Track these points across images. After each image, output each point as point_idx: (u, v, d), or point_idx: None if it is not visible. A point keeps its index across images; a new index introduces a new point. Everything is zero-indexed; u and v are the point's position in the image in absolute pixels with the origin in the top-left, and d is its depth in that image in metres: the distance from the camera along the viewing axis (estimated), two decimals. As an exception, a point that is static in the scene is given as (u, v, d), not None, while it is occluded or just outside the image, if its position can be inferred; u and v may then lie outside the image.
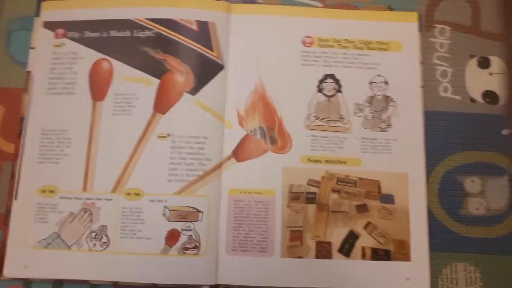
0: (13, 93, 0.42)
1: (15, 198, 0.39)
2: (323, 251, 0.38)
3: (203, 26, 0.42)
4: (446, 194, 0.40)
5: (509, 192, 0.39)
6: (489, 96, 0.42)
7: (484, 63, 0.43)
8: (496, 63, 0.42)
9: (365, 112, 0.41)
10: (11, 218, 0.39)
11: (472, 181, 0.40)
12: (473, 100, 0.42)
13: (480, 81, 0.42)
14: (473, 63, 0.43)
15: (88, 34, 0.43)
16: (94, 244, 0.38)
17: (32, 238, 0.38)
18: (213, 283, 0.37)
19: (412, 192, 0.39)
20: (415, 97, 0.41)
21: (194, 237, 0.38)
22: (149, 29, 0.42)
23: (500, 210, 0.39)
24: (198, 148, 0.40)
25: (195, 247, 0.38)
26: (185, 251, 0.38)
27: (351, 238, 0.38)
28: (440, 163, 0.40)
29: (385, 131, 0.40)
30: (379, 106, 0.41)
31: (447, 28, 0.44)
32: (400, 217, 0.38)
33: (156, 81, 0.41)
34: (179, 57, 0.42)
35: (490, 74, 0.42)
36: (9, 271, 0.38)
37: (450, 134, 0.41)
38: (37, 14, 0.43)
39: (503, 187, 0.39)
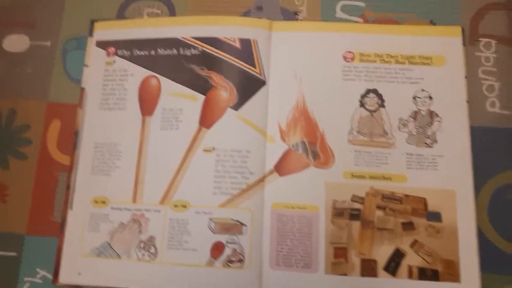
0: (68, 109, 0.41)
1: (70, 208, 0.38)
2: (368, 268, 0.34)
3: (246, 43, 0.40)
4: (496, 213, 0.35)
5: None
6: (540, 111, 0.37)
7: (533, 77, 0.38)
8: (547, 76, 0.38)
9: (410, 127, 0.37)
10: (67, 227, 0.38)
11: (525, 200, 0.35)
12: (522, 115, 0.37)
13: None
14: (521, 77, 0.38)
15: (137, 52, 0.41)
16: (143, 254, 0.36)
17: (85, 246, 0.37)
18: (257, 297, 0.35)
19: (460, 210, 0.35)
20: (460, 112, 0.37)
21: (238, 250, 0.36)
22: (195, 47, 0.40)
23: None
24: (242, 161, 0.37)
25: (240, 260, 0.35)
26: (230, 264, 0.35)
27: (397, 256, 0.34)
28: (489, 181, 0.36)
29: (431, 147, 0.37)
30: (424, 122, 0.37)
31: (492, 41, 0.39)
32: (448, 235, 0.34)
33: (201, 97, 0.39)
34: (223, 73, 0.39)
35: (541, 88, 0.38)
36: (64, 277, 0.37)
37: (498, 150, 0.37)
38: (91, 34, 0.42)
39: None
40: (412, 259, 0.34)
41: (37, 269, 0.38)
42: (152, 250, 0.37)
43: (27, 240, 0.38)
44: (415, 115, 0.38)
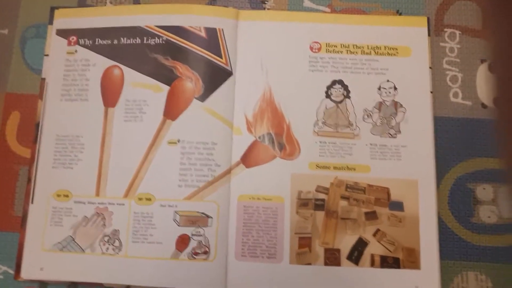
0: (28, 99, 0.38)
1: (32, 202, 0.36)
2: (332, 258, 0.33)
3: (212, 33, 0.38)
4: (457, 202, 0.35)
5: None
6: (501, 101, 0.37)
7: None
8: (508, 67, 0.37)
9: (374, 118, 0.36)
10: (28, 221, 0.36)
11: (484, 188, 0.35)
12: (484, 106, 0.37)
13: (491, 86, 0.37)
14: (484, 68, 0.38)
15: (100, 41, 0.38)
16: (107, 248, 0.35)
17: (48, 241, 0.35)
18: (222, 288, 0.34)
19: (422, 199, 0.34)
20: (424, 103, 0.36)
21: (203, 243, 0.34)
22: (159, 36, 0.38)
23: None
24: (208, 154, 0.36)
25: (205, 252, 0.34)
26: (195, 256, 0.34)
27: (360, 245, 0.34)
28: (450, 170, 0.36)
29: (395, 137, 0.36)
30: (388, 112, 0.36)
31: (457, 32, 0.38)
32: (409, 224, 0.34)
33: (166, 88, 0.37)
34: (188, 64, 0.37)
35: (502, 79, 0.37)
36: (26, 273, 0.35)
37: (461, 140, 0.36)
38: (51, 22, 0.39)
39: None
40: (375, 248, 0.34)
41: (-2, 265, 0.36)
42: (117, 243, 0.35)
43: (-14, 236, 0.36)
44: (379, 106, 0.37)
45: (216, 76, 0.37)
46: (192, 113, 0.36)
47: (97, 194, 0.36)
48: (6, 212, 0.37)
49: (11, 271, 0.35)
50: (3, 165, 0.38)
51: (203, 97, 0.37)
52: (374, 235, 0.34)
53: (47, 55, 0.39)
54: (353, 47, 0.38)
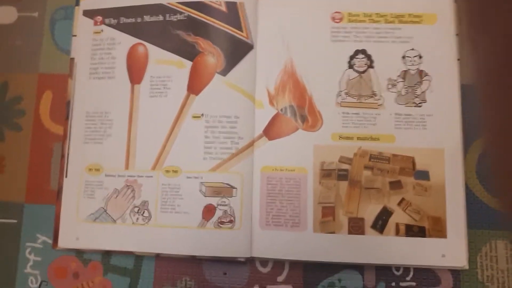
0: (59, 79, 0.40)
1: (66, 176, 0.38)
2: (356, 227, 0.33)
3: (232, 7, 0.37)
4: (485, 170, 0.34)
5: None
6: (533, 67, 0.35)
7: (527, 32, 0.35)
8: (542, 31, 0.35)
9: (399, 88, 0.35)
10: (63, 195, 0.37)
11: (514, 156, 0.34)
12: (515, 72, 0.35)
13: None
14: (515, 33, 0.36)
15: (124, 20, 0.39)
16: (137, 218, 0.36)
17: (82, 212, 0.37)
18: (248, 255, 0.34)
19: (448, 168, 0.33)
20: (451, 71, 0.35)
21: (229, 212, 0.35)
22: (181, 13, 0.38)
23: None
24: (231, 127, 0.36)
25: (230, 221, 0.35)
26: (221, 225, 0.35)
27: (385, 214, 0.33)
28: (478, 139, 0.34)
29: (420, 106, 0.35)
30: (413, 81, 0.35)
31: (486, -4, 0.37)
32: (435, 193, 0.33)
33: (189, 63, 0.37)
34: (210, 38, 0.37)
35: (535, 43, 0.35)
36: (63, 242, 0.36)
37: (489, 108, 0.35)
38: (77, 3, 0.40)
39: None
40: (400, 217, 0.33)
41: (37, 235, 0.37)
42: (146, 214, 0.36)
43: (26, 208, 0.38)
44: (404, 74, 0.36)
45: (237, 50, 0.37)
46: (214, 88, 0.37)
47: (127, 167, 0.37)
48: (42, 186, 0.38)
49: (49, 241, 0.37)
50: (38, 142, 0.39)
51: (225, 72, 0.37)
52: (399, 204, 0.33)
53: (75, 35, 0.40)
54: (376, 16, 0.37)
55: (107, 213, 0.37)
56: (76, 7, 0.40)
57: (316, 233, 0.34)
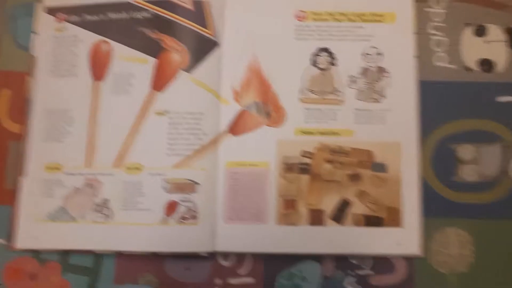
0: (19, 77, 0.49)
1: (24, 175, 0.46)
2: (316, 218, 0.43)
3: (199, 5, 0.48)
4: (439, 162, 0.44)
5: (501, 158, 0.44)
6: (485, 64, 0.46)
7: (480, 32, 0.47)
8: (493, 31, 0.47)
9: (359, 84, 0.46)
10: (21, 194, 0.46)
11: (466, 148, 0.44)
12: (468, 69, 0.46)
13: (476, 49, 0.46)
14: (468, 32, 0.47)
15: (87, 17, 0.49)
16: (98, 217, 0.45)
17: (40, 211, 0.45)
18: (210, 250, 0.42)
19: (404, 160, 0.43)
20: (408, 68, 0.46)
21: (192, 208, 0.44)
22: (146, 10, 0.48)
23: (493, 176, 0.43)
24: (195, 123, 0.46)
25: (193, 217, 0.44)
26: (183, 221, 0.44)
27: (344, 205, 0.43)
28: (433, 132, 0.45)
29: (379, 102, 0.45)
30: (373, 78, 0.46)
31: (442, -3, 0.49)
32: (392, 185, 0.43)
33: (153, 60, 0.47)
34: (175, 36, 0.47)
35: (487, 42, 0.47)
36: (21, 242, 0.45)
37: (444, 103, 0.45)
38: (39, 0, 0.51)
39: (496, 154, 0.44)
40: (358, 208, 0.43)
41: (-8, 236, 0.46)
42: (107, 212, 0.45)
43: (-20, 209, 0.47)
44: (364, 71, 0.47)
45: (203, 47, 0.47)
46: (179, 85, 0.46)
47: (87, 165, 0.46)
48: (-2, 186, 0.48)
49: (5, 242, 0.45)
50: (-5, 141, 0.49)
51: (190, 68, 0.47)
52: (357, 195, 0.43)
53: (36, 33, 0.50)
54: (339, 15, 0.48)
55: (66, 211, 0.46)
56: (38, 4, 0.51)
57: (278, 225, 0.43)
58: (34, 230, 0.45)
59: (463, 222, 0.43)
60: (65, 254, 0.45)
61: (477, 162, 0.44)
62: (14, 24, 0.50)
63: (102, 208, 0.45)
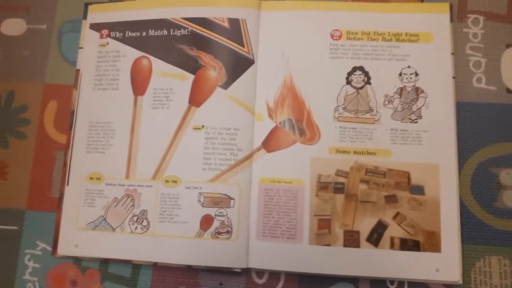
0: (64, 89, 0.43)
1: (67, 184, 0.40)
2: (351, 239, 0.35)
3: (235, 23, 0.41)
4: (479, 186, 0.36)
5: None
6: (527, 86, 0.38)
7: (521, 52, 0.38)
8: (535, 51, 0.38)
9: (395, 104, 0.38)
10: (64, 202, 0.40)
11: (508, 173, 0.36)
12: (509, 91, 0.38)
13: None
14: (509, 53, 0.38)
15: (129, 33, 0.42)
16: (136, 227, 0.39)
17: (82, 220, 0.39)
18: (244, 266, 0.36)
19: (443, 183, 0.36)
20: (446, 88, 0.38)
21: (226, 223, 0.37)
22: (184, 28, 0.42)
23: None
24: (230, 139, 0.39)
25: (227, 232, 0.37)
26: (218, 235, 0.37)
27: (380, 228, 0.35)
28: (473, 155, 0.37)
29: (415, 122, 0.37)
30: (409, 98, 0.38)
31: (481, 17, 0.40)
32: (430, 208, 0.35)
33: (191, 77, 0.40)
34: (212, 53, 0.40)
35: (528, 63, 0.38)
36: (62, 249, 0.39)
37: (484, 125, 0.37)
38: (85, 16, 0.44)
39: None
40: (394, 231, 0.35)
41: (37, 242, 0.40)
42: (145, 223, 0.39)
43: (27, 215, 0.40)
44: (400, 91, 0.38)
45: (238, 65, 0.40)
46: (215, 100, 0.40)
47: (127, 176, 0.40)
48: (44, 194, 0.41)
49: (49, 248, 0.40)
50: (41, 150, 0.42)
51: (226, 85, 0.40)
52: (394, 218, 0.35)
53: (81, 47, 0.43)
54: (374, 34, 0.40)
55: (106, 221, 0.39)
56: (83, 21, 0.44)
57: (311, 245, 0.36)
58: (75, 238, 0.39)
59: (506, 250, 0.35)
60: (105, 262, 0.39)
61: (520, 188, 0.35)
62: (61, 40, 0.44)
63: (140, 219, 0.38)
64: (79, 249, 0.39)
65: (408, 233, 0.35)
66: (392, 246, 0.35)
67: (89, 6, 0.44)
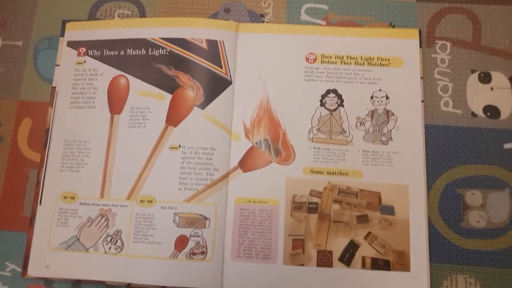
0: (39, 107, 0.43)
1: (40, 203, 0.40)
2: (324, 259, 0.37)
3: (213, 44, 0.42)
4: (446, 207, 0.38)
5: (510, 206, 0.37)
6: (490, 110, 0.40)
7: (485, 78, 0.41)
8: (498, 78, 0.41)
9: (366, 126, 0.40)
10: (36, 222, 0.40)
11: (473, 194, 0.38)
12: (474, 115, 0.40)
13: (481, 95, 0.40)
14: (474, 78, 0.41)
15: (107, 52, 0.43)
16: (110, 248, 0.39)
17: (54, 240, 0.39)
18: (218, 287, 0.37)
19: (412, 204, 0.37)
20: (415, 111, 0.40)
21: (201, 243, 0.38)
22: (163, 48, 0.43)
23: (501, 223, 0.37)
24: (207, 158, 0.40)
25: (202, 253, 0.38)
26: (193, 256, 0.37)
27: (352, 247, 0.37)
28: (441, 176, 0.39)
29: (386, 144, 0.39)
30: (380, 120, 0.40)
31: (448, 44, 0.42)
32: (400, 228, 0.37)
33: (168, 96, 0.41)
34: (190, 73, 0.42)
35: (491, 89, 0.40)
36: (33, 270, 0.38)
37: (451, 147, 0.39)
38: (62, 34, 0.44)
39: (504, 201, 0.37)
40: (366, 250, 0.37)
41: (6, 263, 0.39)
42: (119, 243, 0.39)
43: (-3, 235, 0.40)
44: (372, 114, 0.40)
45: (216, 85, 0.41)
46: (193, 120, 0.41)
47: (102, 196, 0.40)
48: (15, 213, 0.41)
49: (19, 269, 0.39)
50: (14, 168, 0.42)
51: (203, 105, 0.41)
52: (366, 238, 0.37)
53: (58, 65, 0.44)
54: (347, 58, 0.42)
55: (79, 241, 0.39)
56: (61, 38, 0.45)
57: (286, 265, 0.37)
58: (47, 259, 0.39)
59: (471, 269, 0.36)
60: (77, 284, 0.39)
61: (485, 209, 0.37)
62: (37, 56, 0.44)
63: (115, 239, 0.38)
64: (51, 270, 0.38)
65: (379, 252, 0.36)
66: (363, 266, 0.36)
67: (67, 24, 0.45)
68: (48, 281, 0.39)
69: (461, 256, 0.37)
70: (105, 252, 0.38)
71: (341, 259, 0.36)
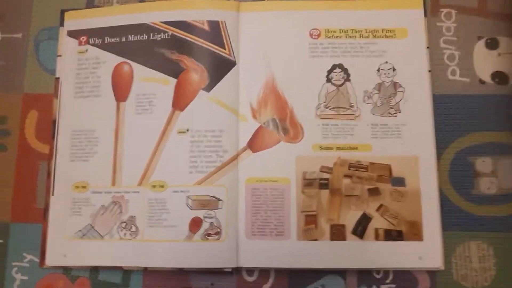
0: (44, 99, 0.44)
1: (52, 194, 0.42)
2: (337, 233, 0.38)
3: (214, 25, 0.43)
4: (457, 175, 0.39)
5: None
6: (498, 76, 0.41)
7: (492, 44, 0.42)
8: (505, 43, 0.42)
9: (374, 99, 0.41)
10: (50, 212, 0.42)
11: (483, 161, 0.39)
12: (482, 82, 0.41)
13: (488, 62, 0.41)
14: (481, 45, 0.42)
15: (108, 39, 0.44)
16: (125, 234, 0.40)
17: (69, 229, 0.41)
18: (234, 265, 0.38)
19: (423, 174, 0.39)
20: (423, 82, 0.41)
21: (215, 224, 0.40)
22: (164, 32, 0.44)
23: None
24: (216, 141, 0.41)
25: (217, 233, 0.40)
26: (208, 237, 0.39)
27: (364, 220, 0.38)
28: (450, 145, 0.40)
29: (395, 116, 0.40)
30: (388, 93, 0.41)
31: (453, 11, 0.43)
32: (411, 198, 0.38)
33: (173, 81, 0.42)
34: (194, 56, 0.43)
35: (499, 54, 0.41)
36: (50, 260, 0.41)
37: (459, 116, 0.41)
38: (62, 24, 0.46)
39: None
40: (378, 222, 0.38)
41: (24, 254, 0.41)
42: (133, 229, 0.41)
43: (12, 228, 0.42)
44: (379, 87, 0.41)
45: (220, 67, 0.43)
46: (199, 103, 0.42)
47: (113, 183, 0.42)
48: (28, 205, 0.43)
49: (37, 259, 0.41)
50: (24, 161, 0.44)
51: (208, 88, 0.42)
52: (378, 210, 0.38)
53: (59, 55, 0.45)
54: (352, 32, 0.43)
55: (94, 229, 0.41)
56: (61, 28, 0.46)
57: (299, 240, 0.38)
58: (63, 248, 0.41)
59: (483, 235, 0.38)
60: (94, 270, 0.41)
61: (495, 175, 0.38)
62: (38, 48, 0.45)
63: (129, 225, 0.40)
64: (68, 259, 0.41)
65: (392, 224, 0.38)
66: (376, 237, 0.38)
67: (66, 13, 0.46)
68: (66, 269, 0.41)
69: (473, 223, 0.38)
70: (121, 238, 0.40)
71: (354, 232, 0.38)
